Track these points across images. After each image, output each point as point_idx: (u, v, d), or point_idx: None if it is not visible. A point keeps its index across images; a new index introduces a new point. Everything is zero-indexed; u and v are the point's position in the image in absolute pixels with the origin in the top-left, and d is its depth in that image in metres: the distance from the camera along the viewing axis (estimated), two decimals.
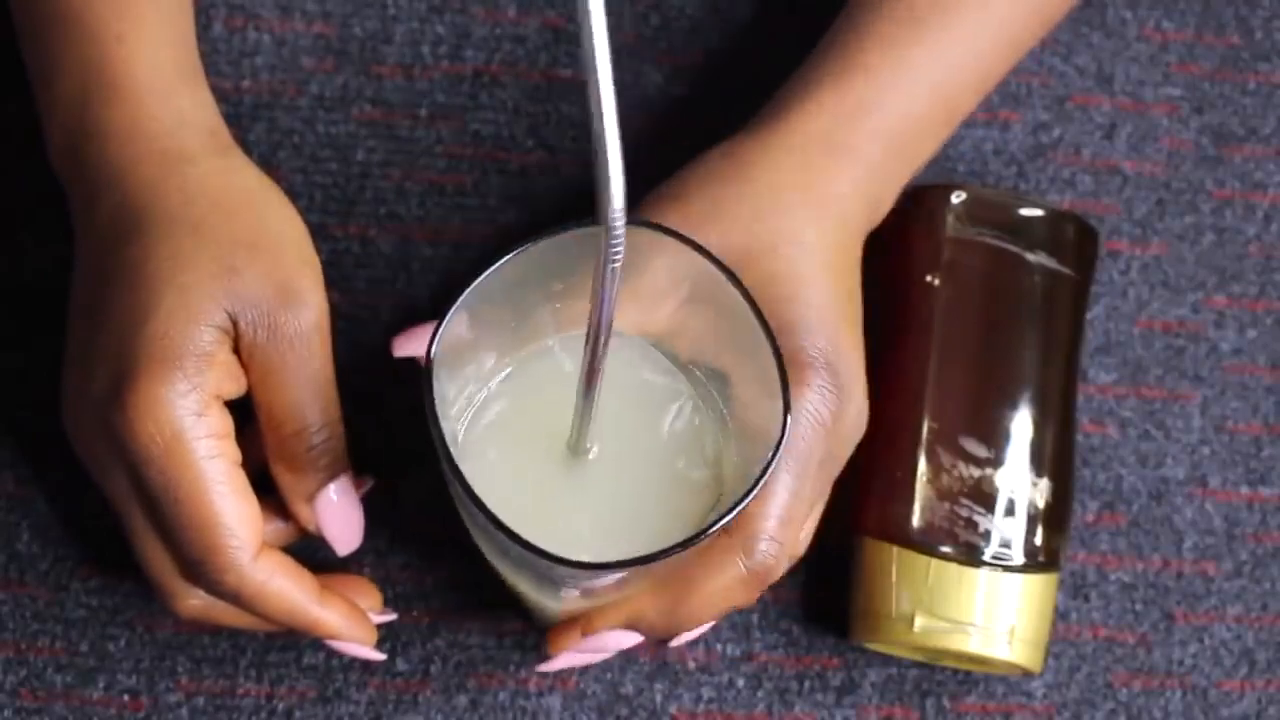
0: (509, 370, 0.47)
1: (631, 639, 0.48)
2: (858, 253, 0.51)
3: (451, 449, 0.41)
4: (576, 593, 0.46)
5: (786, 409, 0.42)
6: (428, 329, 0.49)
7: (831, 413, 0.47)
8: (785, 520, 0.47)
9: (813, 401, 0.47)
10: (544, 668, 0.51)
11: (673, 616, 0.47)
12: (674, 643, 0.52)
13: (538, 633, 0.55)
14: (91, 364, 0.47)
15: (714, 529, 0.41)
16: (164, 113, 0.50)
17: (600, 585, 0.46)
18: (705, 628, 0.50)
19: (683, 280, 0.45)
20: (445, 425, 0.42)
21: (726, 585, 0.47)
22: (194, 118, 0.50)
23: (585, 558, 0.41)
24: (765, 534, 0.46)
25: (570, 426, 0.44)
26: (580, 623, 0.48)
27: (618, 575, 0.43)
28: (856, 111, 0.51)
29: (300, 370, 0.48)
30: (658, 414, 0.47)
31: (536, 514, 0.44)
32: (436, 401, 0.41)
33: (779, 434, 0.41)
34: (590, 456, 0.46)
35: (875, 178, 0.52)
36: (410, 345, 0.50)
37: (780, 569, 0.47)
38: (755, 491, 0.41)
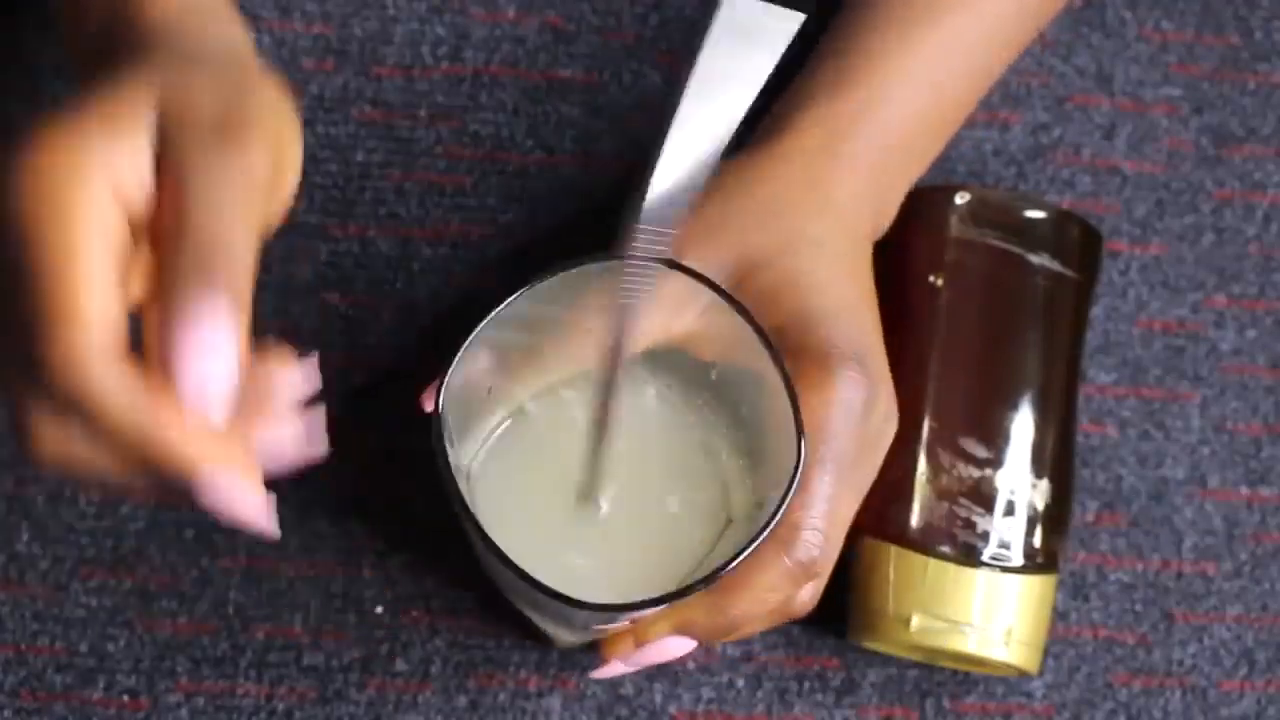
0: (520, 413, 0.47)
1: (684, 645, 0.49)
2: (869, 258, 0.52)
3: (466, 498, 0.41)
4: (598, 628, 0.47)
5: (796, 410, 0.42)
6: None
7: (864, 402, 0.47)
8: (826, 512, 0.47)
9: (844, 391, 0.47)
10: (596, 675, 0.51)
11: (722, 618, 0.47)
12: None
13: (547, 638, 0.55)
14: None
15: (744, 555, 0.41)
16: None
17: (616, 626, 0.47)
18: (757, 628, 0.50)
19: (702, 291, 0.45)
20: (458, 473, 0.41)
21: (772, 581, 0.47)
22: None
23: (602, 599, 0.41)
24: (807, 525, 0.46)
25: (581, 473, 0.45)
26: (635, 631, 0.49)
27: (635, 614, 0.44)
28: (853, 121, 0.51)
29: (230, 203, 0.38)
30: (668, 451, 0.48)
31: (549, 557, 0.44)
32: (450, 450, 0.41)
33: (796, 431, 0.42)
34: (602, 503, 0.46)
35: (877, 184, 0.52)
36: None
37: (825, 563, 0.47)
38: (791, 493, 0.42)
